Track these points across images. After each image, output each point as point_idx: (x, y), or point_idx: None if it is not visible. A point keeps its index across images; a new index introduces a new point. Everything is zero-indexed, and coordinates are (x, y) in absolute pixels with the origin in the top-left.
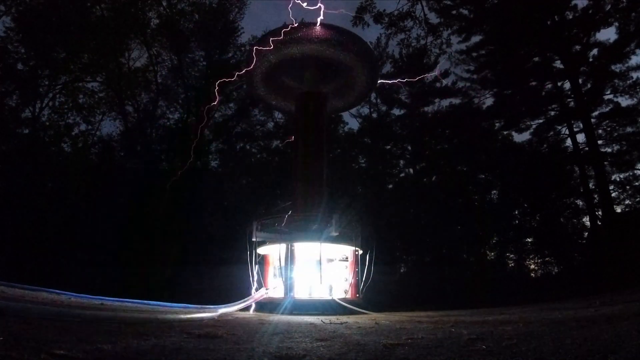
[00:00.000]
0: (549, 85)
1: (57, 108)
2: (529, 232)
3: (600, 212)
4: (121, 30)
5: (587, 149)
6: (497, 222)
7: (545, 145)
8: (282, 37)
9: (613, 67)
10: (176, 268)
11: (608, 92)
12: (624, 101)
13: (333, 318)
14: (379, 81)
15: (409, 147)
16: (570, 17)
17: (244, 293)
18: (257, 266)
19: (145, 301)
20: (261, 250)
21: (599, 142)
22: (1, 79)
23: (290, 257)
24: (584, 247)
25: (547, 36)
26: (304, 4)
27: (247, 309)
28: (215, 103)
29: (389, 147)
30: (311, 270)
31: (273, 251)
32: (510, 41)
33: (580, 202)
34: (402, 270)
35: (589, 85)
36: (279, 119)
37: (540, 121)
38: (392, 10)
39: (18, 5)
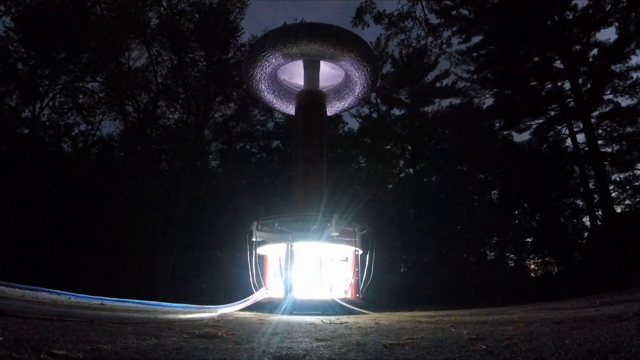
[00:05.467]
0: (549, 85)
1: (57, 108)
2: (529, 232)
3: (600, 212)
4: (121, 30)
5: (587, 149)
6: (497, 222)
7: (545, 145)
8: (282, 36)
9: (613, 67)
10: (176, 268)
11: (608, 92)
12: (624, 101)
13: (333, 318)
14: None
15: (409, 147)
16: (570, 17)
17: (244, 293)
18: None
19: (145, 301)
20: (261, 250)
21: (599, 142)
22: (1, 79)
23: (290, 257)
24: (584, 247)
25: (547, 36)
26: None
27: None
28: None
29: (389, 147)
30: (311, 270)
31: (273, 251)
32: (510, 41)
33: (580, 202)
34: (402, 270)
35: (589, 85)
36: (279, 119)
37: (540, 121)
38: (392, 11)
39: (18, 5)
